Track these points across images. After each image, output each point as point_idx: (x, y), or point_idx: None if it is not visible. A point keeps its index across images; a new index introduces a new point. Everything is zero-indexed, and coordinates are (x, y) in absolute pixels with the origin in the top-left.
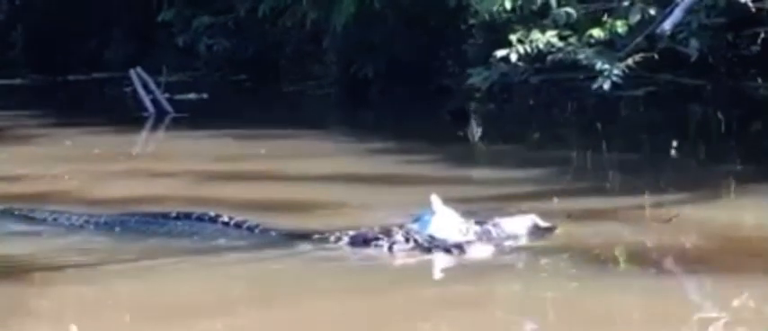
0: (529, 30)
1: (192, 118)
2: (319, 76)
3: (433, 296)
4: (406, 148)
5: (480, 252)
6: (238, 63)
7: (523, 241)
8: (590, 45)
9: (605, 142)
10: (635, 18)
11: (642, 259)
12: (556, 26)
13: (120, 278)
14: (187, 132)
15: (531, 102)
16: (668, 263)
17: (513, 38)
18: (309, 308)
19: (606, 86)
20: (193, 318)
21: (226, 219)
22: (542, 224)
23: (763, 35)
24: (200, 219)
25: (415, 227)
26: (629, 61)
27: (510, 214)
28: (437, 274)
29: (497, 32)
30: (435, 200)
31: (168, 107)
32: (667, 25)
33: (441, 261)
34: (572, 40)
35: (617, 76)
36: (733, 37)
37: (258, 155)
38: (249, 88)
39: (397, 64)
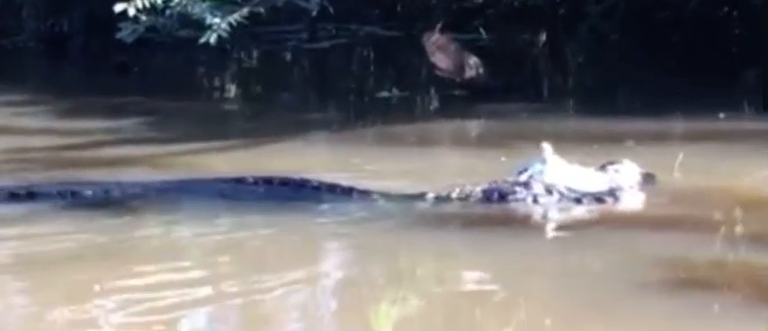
0: None
1: None
2: (22, 31)
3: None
4: (44, 100)
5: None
6: None
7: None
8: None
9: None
10: None
11: None
12: None
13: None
14: None
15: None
16: None
17: None
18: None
19: (212, 40)
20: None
21: (315, 183)
22: (643, 171)
23: None
24: (284, 183)
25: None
26: (237, 16)
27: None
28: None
29: None
30: (547, 148)
31: None
32: None
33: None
34: None
35: (225, 30)
36: None
37: None
38: None
39: (95, 19)
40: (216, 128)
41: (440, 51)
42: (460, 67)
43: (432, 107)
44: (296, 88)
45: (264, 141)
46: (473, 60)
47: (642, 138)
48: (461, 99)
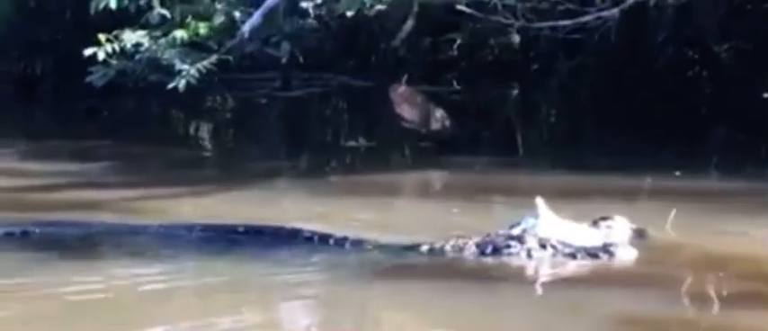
0: (122, 29)
1: None
2: None
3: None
4: (11, 142)
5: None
6: None
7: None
8: (182, 46)
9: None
10: (218, 20)
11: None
12: (148, 26)
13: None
14: None
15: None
16: None
17: (102, 37)
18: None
19: (181, 86)
20: None
21: (308, 233)
22: (633, 226)
23: (459, 41)
24: (275, 234)
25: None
26: (206, 63)
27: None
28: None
29: None
30: (541, 203)
31: None
32: (247, 28)
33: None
34: (161, 41)
35: (194, 76)
36: (430, 42)
37: None
38: None
39: (67, 61)
40: (184, 174)
41: (406, 103)
42: (426, 119)
43: (397, 158)
44: (266, 136)
45: (231, 188)
46: (439, 113)
47: (614, 194)
48: (427, 150)
